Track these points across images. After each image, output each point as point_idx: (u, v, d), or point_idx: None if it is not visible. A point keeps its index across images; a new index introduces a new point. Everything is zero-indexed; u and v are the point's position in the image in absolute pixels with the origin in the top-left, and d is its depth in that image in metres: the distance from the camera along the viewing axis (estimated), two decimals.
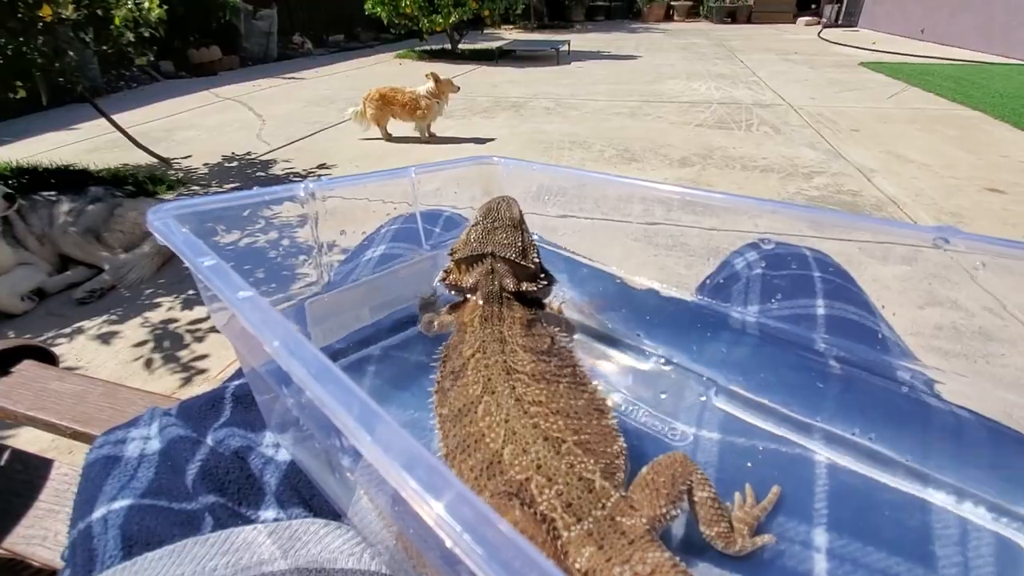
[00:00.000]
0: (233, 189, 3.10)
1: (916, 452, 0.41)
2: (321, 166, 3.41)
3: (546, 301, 0.54)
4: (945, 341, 1.62)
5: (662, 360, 0.54)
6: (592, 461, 0.35)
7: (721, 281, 0.59)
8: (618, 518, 0.32)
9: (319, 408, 0.22)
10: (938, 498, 0.39)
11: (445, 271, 0.53)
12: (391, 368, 0.54)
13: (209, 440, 0.45)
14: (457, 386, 0.41)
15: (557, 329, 0.48)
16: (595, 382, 0.43)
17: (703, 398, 0.49)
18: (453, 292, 0.52)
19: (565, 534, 0.31)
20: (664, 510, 0.33)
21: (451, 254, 0.53)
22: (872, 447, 0.43)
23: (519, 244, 0.51)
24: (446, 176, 0.65)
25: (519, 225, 0.53)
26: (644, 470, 0.36)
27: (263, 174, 3.34)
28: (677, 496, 0.34)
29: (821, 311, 0.52)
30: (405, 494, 0.19)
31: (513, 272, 0.50)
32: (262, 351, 0.26)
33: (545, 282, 0.51)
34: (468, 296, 0.50)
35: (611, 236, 0.61)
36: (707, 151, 3.56)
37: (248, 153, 3.76)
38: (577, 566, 0.30)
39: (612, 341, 0.57)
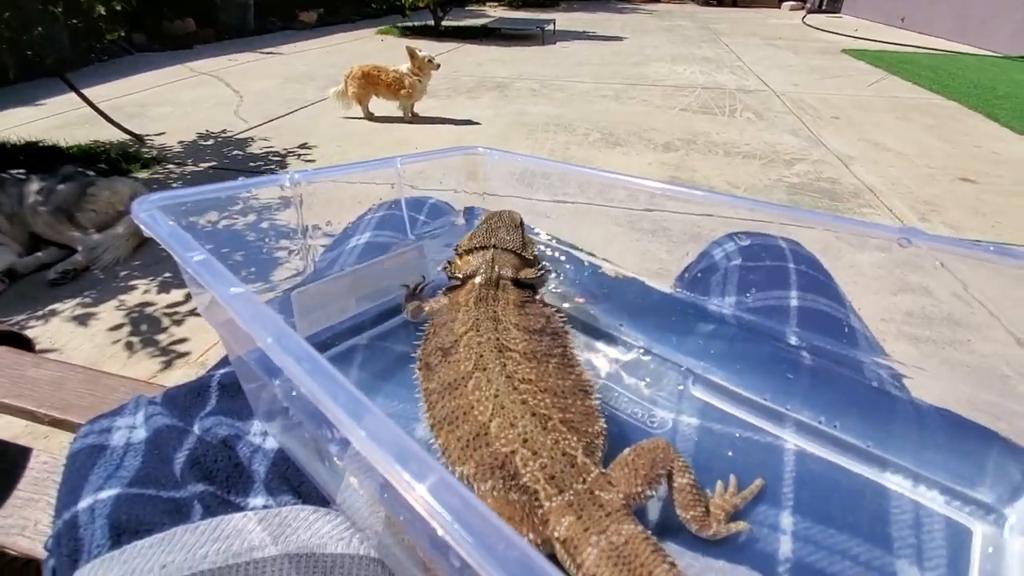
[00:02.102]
0: (210, 168, 3.02)
1: (877, 438, 0.43)
2: (302, 146, 3.34)
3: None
4: (916, 327, 1.68)
5: (642, 350, 0.56)
6: (575, 438, 0.36)
7: (700, 273, 0.61)
8: (597, 492, 0.33)
9: (309, 400, 0.23)
10: (895, 482, 0.40)
11: (448, 262, 0.55)
12: (377, 359, 0.55)
13: (196, 429, 0.45)
14: (447, 362, 0.42)
15: (553, 309, 0.49)
16: (584, 365, 0.44)
17: (681, 387, 0.51)
18: (452, 279, 0.54)
19: (547, 504, 0.33)
20: (640, 489, 0.34)
21: (456, 249, 0.55)
22: (836, 434, 0.44)
23: (519, 239, 0.54)
24: (431, 165, 0.66)
25: (520, 226, 0.57)
26: (626, 451, 0.37)
27: (240, 153, 3.27)
28: (654, 478, 0.35)
29: (794, 303, 0.54)
30: (394, 482, 0.20)
31: (512, 261, 0.52)
32: (249, 340, 0.27)
33: (543, 271, 0.53)
34: (466, 281, 0.52)
35: (594, 220, 0.62)
36: (691, 136, 3.58)
37: (224, 131, 3.66)
38: (556, 534, 0.31)
39: (595, 331, 0.58)
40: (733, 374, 0.51)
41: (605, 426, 0.39)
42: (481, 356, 0.41)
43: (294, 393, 0.28)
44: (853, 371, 0.48)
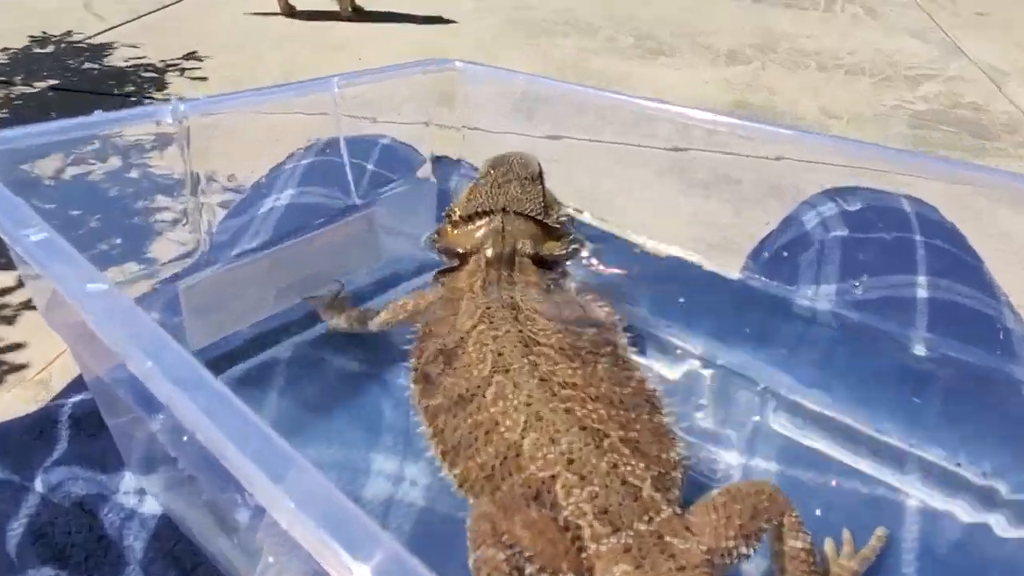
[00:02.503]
0: (50, 90, 2.99)
1: None
2: (188, 56, 3.30)
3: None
4: None
5: (699, 362, 0.55)
6: (642, 466, 0.38)
7: (784, 250, 0.61)
8: (668, 538, 0.35)
9: (206, 448, 0.23)
10: None
11: (437, 234, 0.57)
12: (308, 379, 0.55)
13: (39, 485, 0.45)
14: (453, 368, 0.45)
15: (591, 297, 0.52)
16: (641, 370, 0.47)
17: (756, 416, 0.51)
18: (446, 258, 0.56)
19: (593, 546, 0.34)
20: (732, 544, 0.35)
21: (448, 215, 0.58)
22: (982, 483, 0.45)
23: (539, 199, 0.56)
24: (385, 87, 0.67)
25: (539, 179, 0.59)
26: (715, 492, 0.39)
27: (95, 67, 3.22)
28: (754, 533, 0.36)
29: (923, 293, 0.54)
30: (328, 567, 0.20)
31: (531, 230, 0.55)
32: (113, 356, 0.28)
33: (575, 245, 0.55)
34: (466, 260, 0.55)
35: (624, 168, 0.62)
36: (768, 40, 3.57)
37: (70, 33, 3.61)
38: None
39: (630, 334, 0.57)
40: (831, 397, 0.51)
41: (684, 455, 0.41)
42: (500, 355, 0.44)
43: (185, 439, 0.27)
44: (1007, 392, 0.49)
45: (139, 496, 0.45)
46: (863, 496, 0.46)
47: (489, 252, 0.53)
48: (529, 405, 0.40)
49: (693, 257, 0.61)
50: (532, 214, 0.55)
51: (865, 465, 0.48)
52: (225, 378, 0.53)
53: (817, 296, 0.56)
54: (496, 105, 0.68)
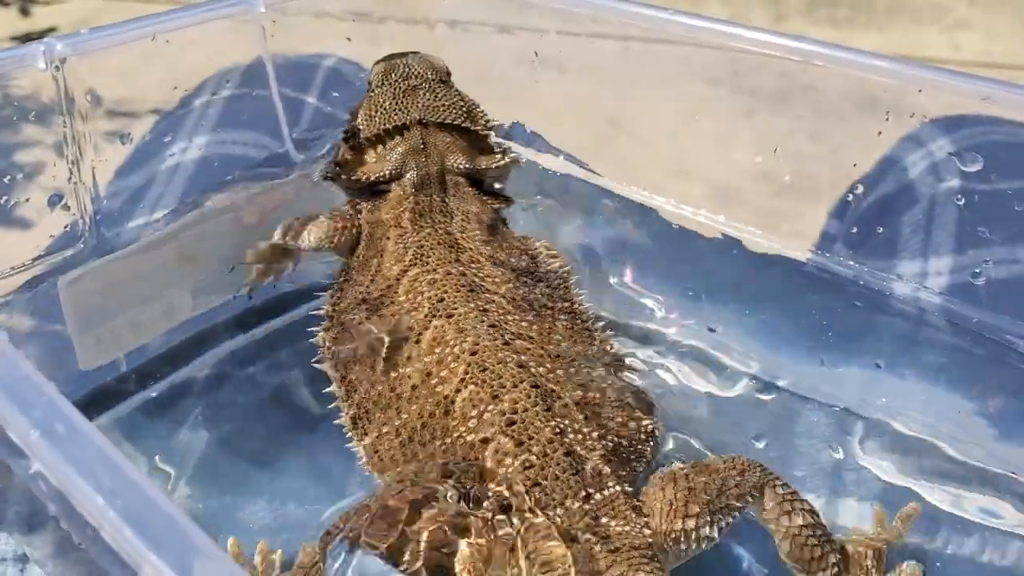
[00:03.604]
0: None
1: None
2: None
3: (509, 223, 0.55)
4: None
5: (756, 380, 0.50)
6: (595, 435, 0.37)
7: (874, 207, 0.52)
8: (605, 519, 0.33)
9: (91, 526, 0.23)
10: None
11: (337, 163, 0.53)
12: (234, 406, 0.51)
13: None
14: (379, 316, 0.43)
15: (540, 243, 0.49)
16: (608, 333, 0.45)
17: (837, 452, 0.46)
18: (353, 188, 0.53)
19: (517, 523, 0.33)
20: (690, 525, 0.34)
21: (347, 137, 0.54)
22: None
23: (460, 103, 0.53)
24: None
25: (448, 79, 0.55)
26: (677, 465, 0.37)
27: None
28: (720, 512, 0.35)
29: None
30: None
31: (457, 143, 0.52)
32: None
33: (511, 155, 0.53)
34: (382, 187, 0.52)
35: (651, 73, 0.57)
36: None
37: None
38: (526, 573, 0.33)
39: (657, 339, 0.53)
40: (940, 421, 0.45)
41: (656, 425, 0.39)
42: (441, 300, 0.42)
43: (82, 518, 0.25)
44: None
45: (20, 564, 0.44)
46: (988, 555, 0.40)
47: (410, 179, 0.49)
48: (474, 354, 0.38)
49: (743, 230, 0.54)
50: (456, 122, 0.51)
51: (988, 516, 0.42)
52: (123, 411, 0.50)
53: (922, 280, 0.49)
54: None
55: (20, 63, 0.46)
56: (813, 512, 0.36)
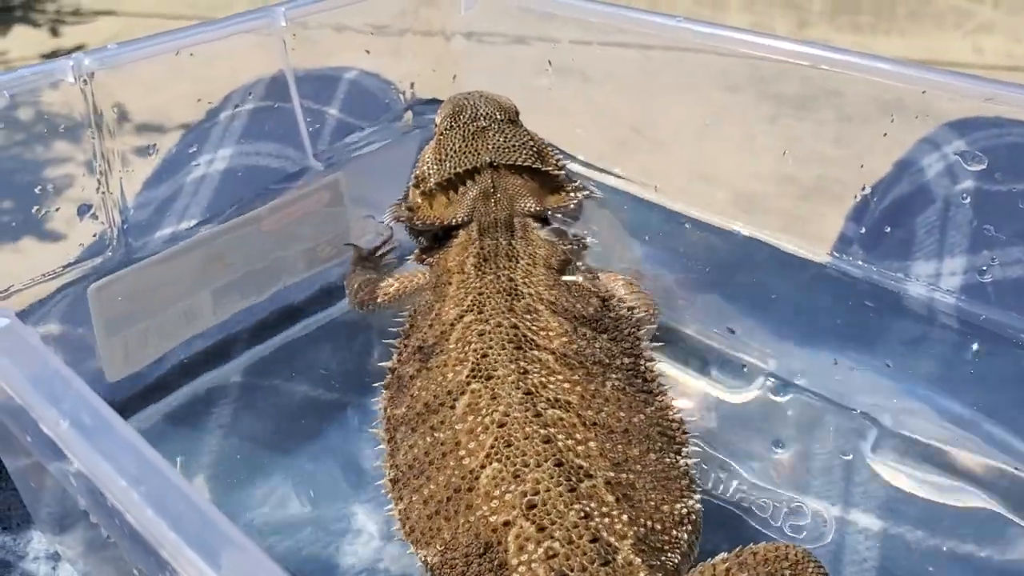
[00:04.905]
0: None
1: None
2: None
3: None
4: None
5: (773, 380, 0.50)
6: (626, 519, 0.35)
7: (890, 211, 0.52)
8: None
9: (126, 519, 0.23)
10: None
11: (408, 207, 0.53)
12: (262, 412, 0.52)
13: None
14: (428, 369, 0.42)
15: (622, 280, 0.49)
16: (670, 393, 0.43)
17: (848, 455, 0.46)
18: (419, 234, 0.53)
19: None
20: None
21: (417, 184, 0.54)
22: None
23: (530, 144, 0.52)
24: (348, 12, 0.62)
25: (518, 119, 0.55)
26: (719, 558, 0.35)
27: None
28: None
29: None
30: None
31: (528, 184, 0.51)
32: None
33: (583, 193, 0.52)
34: (450, 234, 0.51)
35: (673, 81, 0.57)
36: None
37: None
38: None
39: (676, 341, 0.54)
40: (957, 425, 0.45)
41: (695, 508, 0.38)
42: (484, 356, 0.41)
43: (109, 504, 0.25)
44: None
45: (51, 562, 0.44)
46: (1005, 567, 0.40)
47: (477, 225, 0.49)
48: (502, 426, 0.37)
49: (761, 233, 0.54)
50: (526, 163, 0.51)
51: (1006, 524, 0.42)
52: (153, 415, 0.51)
53: (937, 280, 0.49)
54: (500, 9, 0.65)
55: (50, 77, 0.47)
56: None
